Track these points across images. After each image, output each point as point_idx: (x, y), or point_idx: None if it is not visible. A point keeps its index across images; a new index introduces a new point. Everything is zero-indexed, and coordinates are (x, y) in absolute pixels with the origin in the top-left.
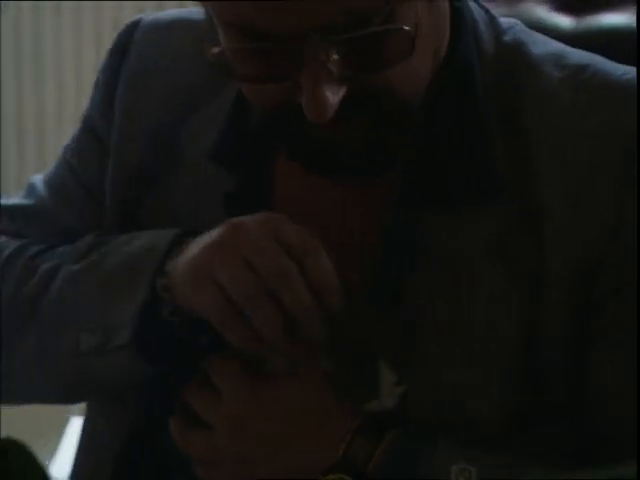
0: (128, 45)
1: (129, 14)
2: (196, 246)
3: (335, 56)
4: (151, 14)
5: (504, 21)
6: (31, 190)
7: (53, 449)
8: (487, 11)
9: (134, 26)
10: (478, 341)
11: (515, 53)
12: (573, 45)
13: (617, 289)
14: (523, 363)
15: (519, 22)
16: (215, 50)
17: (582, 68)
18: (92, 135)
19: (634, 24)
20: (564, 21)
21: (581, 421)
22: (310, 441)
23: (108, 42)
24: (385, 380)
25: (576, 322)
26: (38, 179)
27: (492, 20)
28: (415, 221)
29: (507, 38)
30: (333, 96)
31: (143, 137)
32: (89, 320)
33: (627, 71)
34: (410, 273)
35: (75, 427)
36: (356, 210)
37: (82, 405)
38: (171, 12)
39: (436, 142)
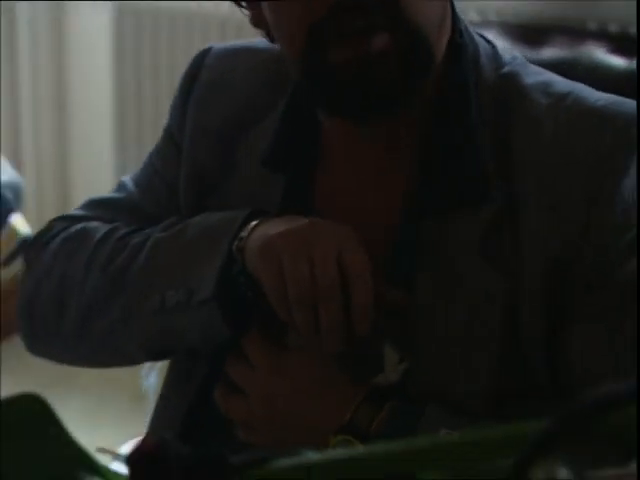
0: (200, 69)
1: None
2: (274, 225)
3: None
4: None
5: (507, 56)
6: (122, 187)
7: None
8: (493, 47)
9: (206, 53)
10: (465, 328)
11: (509, 82)
12: (627, 82)
13: (588, 285)
14: (507, 348)
15: (520, 56)
16: None
17: (564, 96)
18: (172, 142)
19: None
20: (619, 61)
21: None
22: (323, 409)
23: None
24: (389, 359)
25: (552, 311)
26: (127, 178)
27: (495, 55)
28: (420, 221)
29: (505, 70)
30: None
31: (209, 143)
32: (173, 281)
33: (601, 98)
34: (413, 268)
35: None
36: (379, 207)
37: None
38: (238, 42)
39: (435, 149)
